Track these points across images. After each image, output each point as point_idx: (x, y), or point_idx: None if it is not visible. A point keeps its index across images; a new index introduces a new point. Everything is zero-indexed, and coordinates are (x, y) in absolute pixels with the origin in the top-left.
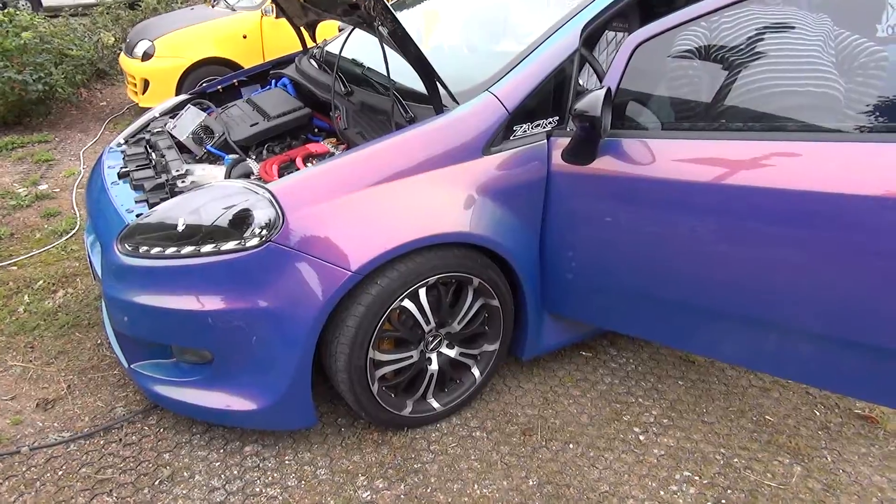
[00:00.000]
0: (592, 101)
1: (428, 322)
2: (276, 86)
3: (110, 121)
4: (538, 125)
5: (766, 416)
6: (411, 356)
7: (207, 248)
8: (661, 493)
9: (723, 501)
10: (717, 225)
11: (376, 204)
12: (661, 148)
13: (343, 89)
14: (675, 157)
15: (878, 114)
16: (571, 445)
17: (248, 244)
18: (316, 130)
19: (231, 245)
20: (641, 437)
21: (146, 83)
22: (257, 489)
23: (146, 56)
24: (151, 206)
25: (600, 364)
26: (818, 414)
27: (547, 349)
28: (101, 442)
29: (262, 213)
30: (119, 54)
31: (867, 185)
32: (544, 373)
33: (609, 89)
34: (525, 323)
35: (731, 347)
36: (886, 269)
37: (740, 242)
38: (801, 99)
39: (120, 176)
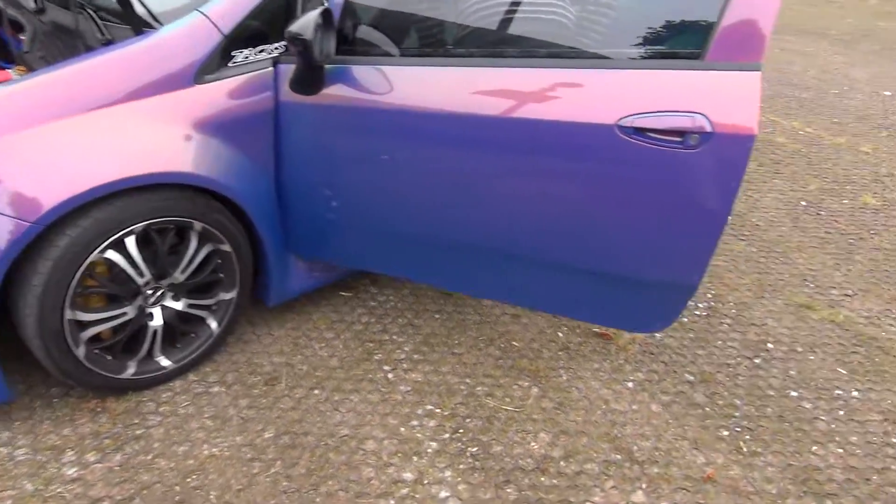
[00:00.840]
0: (305, 22)
1: (142, 274)
2: None
3: None
4: (263, 51)
5: (514, 342)
6: (125, 313)
7: None
8: (402, 429)
9: (460, 430)
10: (452, 155)
11: (60, 141)
12: (393, 75)
13: (32, 5)
14: (406, 85)
15: (604, 41)
16: (316, 391)
17: None
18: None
19: None
20: (390, 375)
21: None
22: None
23: None
24: None
25: (359, 303)
26: (561, 336)
27: (295, 293)
28: None
29: None
30: None
31: (571, 111)
32: (298, 317)
33: (328, 10)
34: (267, 267)
35: (477, 281)
36: (604, 198)
37: (474, 173)
38: (532, 26)
39: None
